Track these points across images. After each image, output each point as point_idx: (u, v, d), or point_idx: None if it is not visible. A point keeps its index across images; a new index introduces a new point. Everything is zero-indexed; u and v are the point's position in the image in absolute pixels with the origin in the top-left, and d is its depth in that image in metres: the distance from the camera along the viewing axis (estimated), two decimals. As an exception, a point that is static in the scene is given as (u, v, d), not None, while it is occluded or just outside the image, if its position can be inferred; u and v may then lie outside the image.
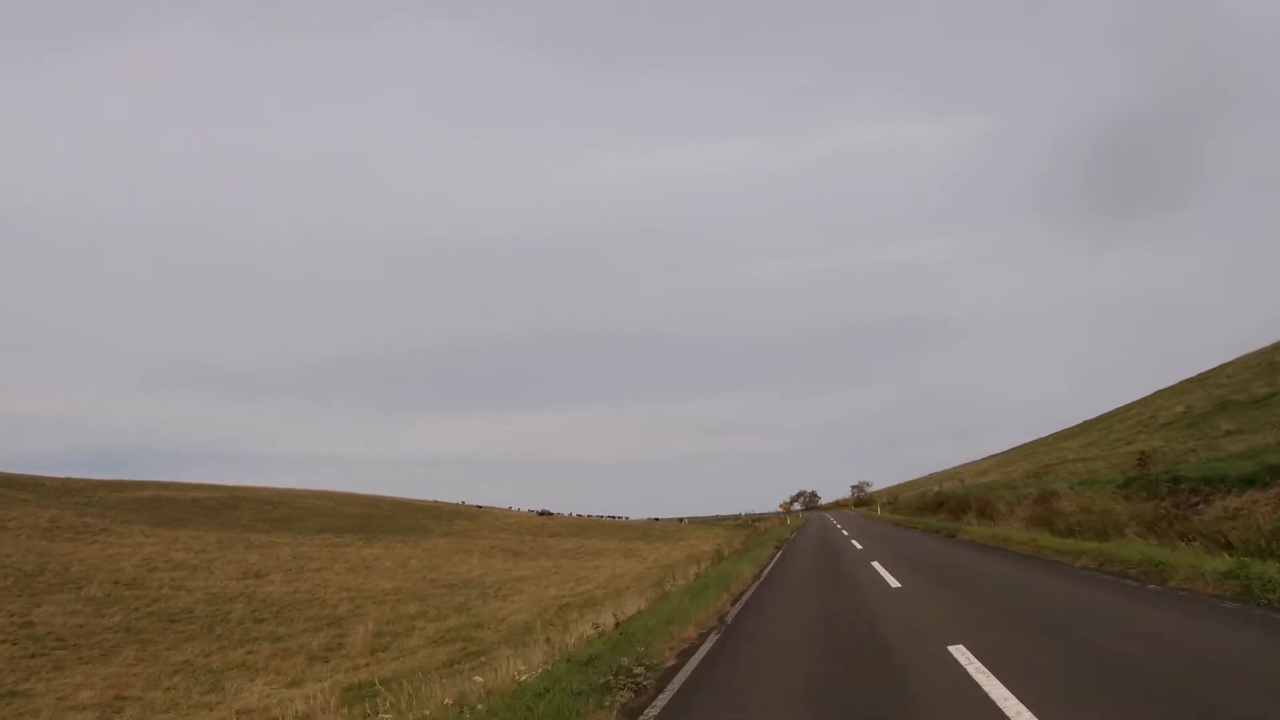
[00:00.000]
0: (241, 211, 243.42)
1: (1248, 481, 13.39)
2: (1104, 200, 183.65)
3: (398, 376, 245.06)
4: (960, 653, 7.73)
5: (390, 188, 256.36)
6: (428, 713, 7.43)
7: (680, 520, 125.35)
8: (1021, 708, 5.61)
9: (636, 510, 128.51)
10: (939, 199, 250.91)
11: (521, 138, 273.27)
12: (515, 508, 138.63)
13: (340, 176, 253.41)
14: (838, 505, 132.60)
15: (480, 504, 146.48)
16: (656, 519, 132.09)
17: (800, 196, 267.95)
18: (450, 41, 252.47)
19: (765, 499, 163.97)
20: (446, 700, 7.71)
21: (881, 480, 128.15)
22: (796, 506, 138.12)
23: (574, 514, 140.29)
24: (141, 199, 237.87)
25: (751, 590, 16.67)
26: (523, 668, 9.07)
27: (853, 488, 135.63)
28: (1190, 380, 51.45)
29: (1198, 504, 14.02)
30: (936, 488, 49.26)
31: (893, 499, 63.93)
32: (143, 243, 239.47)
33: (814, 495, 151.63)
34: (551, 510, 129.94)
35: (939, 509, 39.02)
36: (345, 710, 11.27)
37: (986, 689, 6.19)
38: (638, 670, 7.91)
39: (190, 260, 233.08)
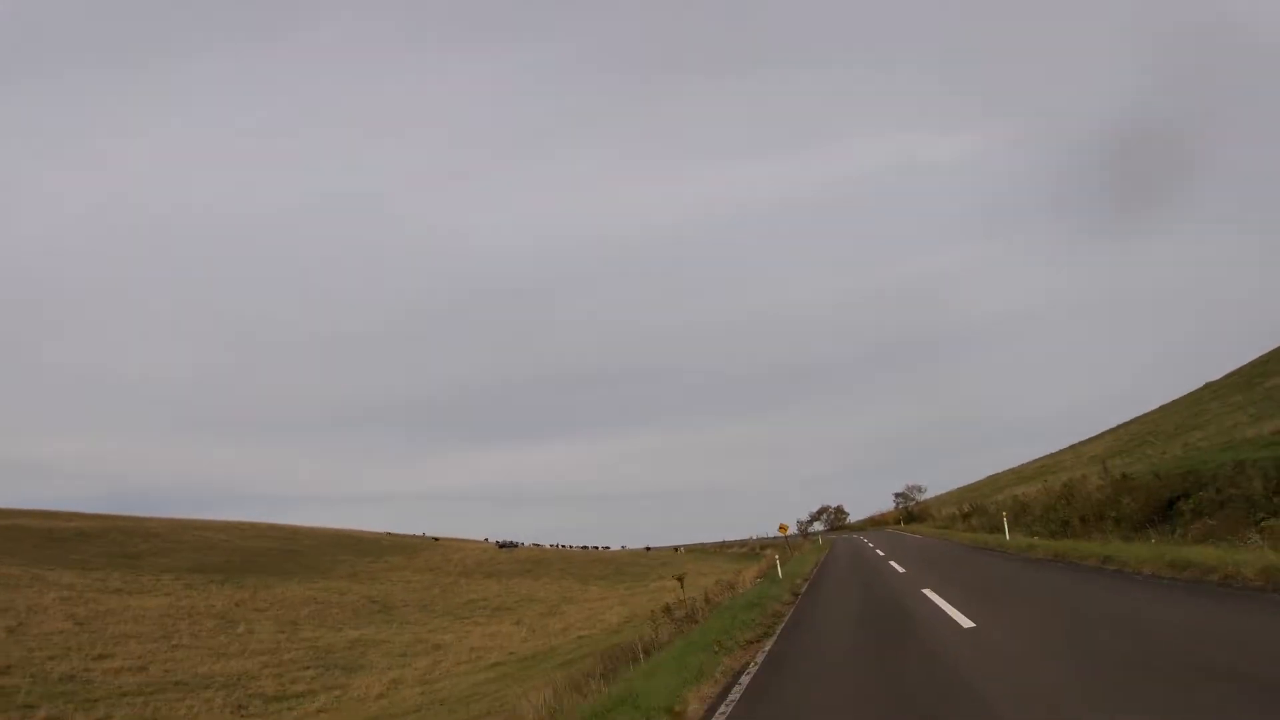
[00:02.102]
0: (252, 252, 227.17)
1: None
2: (1126, 202, 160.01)
3: (425, 413, 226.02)
4: None
5: (404, 226, 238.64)
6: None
7: (676, 549, 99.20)
8: None
9: (657, 538, 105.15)
10: (953, 209, 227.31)
11: (533, 170, 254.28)
12: (489, 539, 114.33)
13: (355, 217, 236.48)
14: (875, 523, 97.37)
15: (440, 536, 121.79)
16: (649, 548, 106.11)
17: (815, 215, 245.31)
18: (456, 83, 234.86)
19: (783, 520, 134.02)
20: None
21: (933, 485, 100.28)
22: (817, 527, 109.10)
23: (554, 545, 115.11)
24: (151, 240, 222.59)
25: None
26: None
27: (897, 496, 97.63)
28: None
29: None
30: (1111, 471, 22.37)
31: (973, 508, 37.50)
32: (154, 285, 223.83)
33: (840, 511, 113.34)
34: (516, 542, 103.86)
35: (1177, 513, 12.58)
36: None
37: None
38: None
39: (206, 306, 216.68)
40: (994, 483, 65.30)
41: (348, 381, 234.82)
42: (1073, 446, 59.56)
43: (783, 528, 36.95)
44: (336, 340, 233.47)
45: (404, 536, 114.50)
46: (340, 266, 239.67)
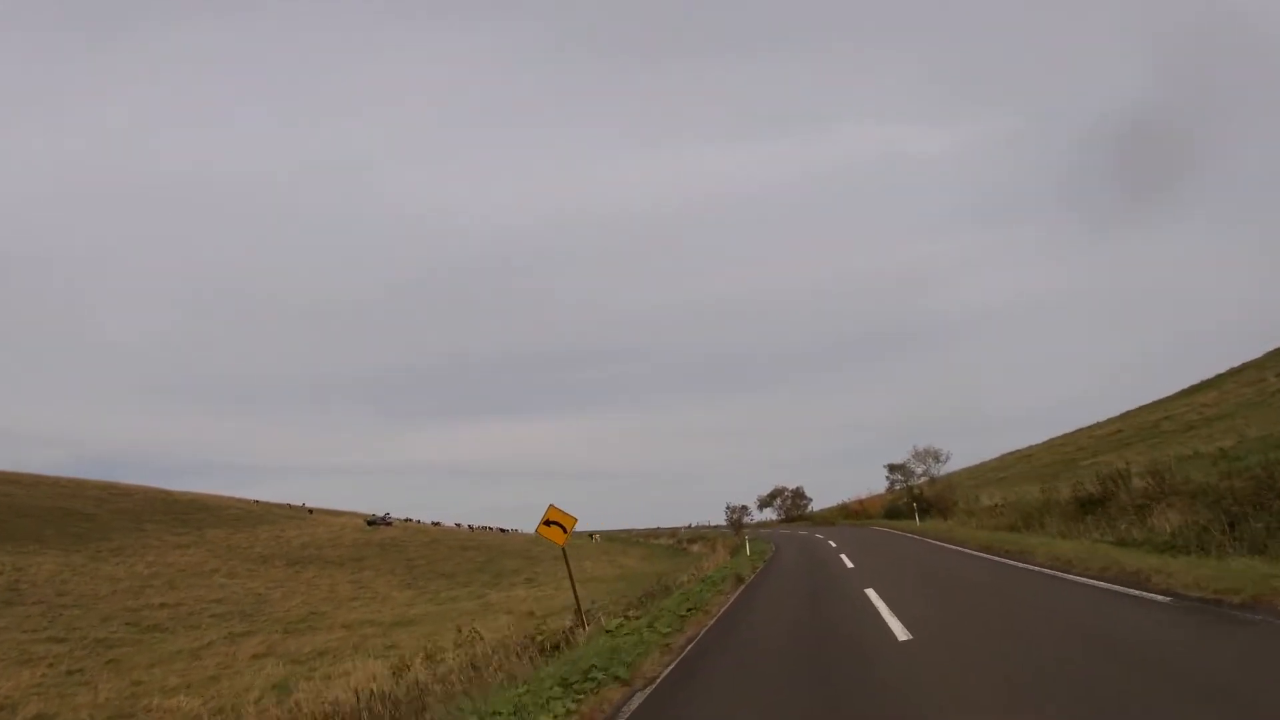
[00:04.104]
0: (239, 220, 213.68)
1: None
2: (1119, 197, 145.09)
3: (398, 387, 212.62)
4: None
5: (388, 198, 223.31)
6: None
7: (592, 536, 76.53)
8: None
9: (611, 521, 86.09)
10: (943, 201, 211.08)
11: (519, 149, 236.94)
12: (387, 513, 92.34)
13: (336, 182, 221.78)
14: (851, 514, 60.99)
15: (320, 509, 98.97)
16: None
17: (799, 203, 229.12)
18: (452, 51, 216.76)
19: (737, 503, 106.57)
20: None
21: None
22: (764, 515, 79.75)
23: (461, 525, 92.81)
24: (135, 209, 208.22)
25: None
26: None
27: (894, 471, 59.81)
28: None
29: None
30: None
31: (1107, 483, 16.24)
32: (138, 254, 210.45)
33: (799, 495, 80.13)
34: (389, 519, 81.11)
35: None
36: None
37: None
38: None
39: (184, 275, 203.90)
40: (1030, 461, 43.33)
41: (322, 353, 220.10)
42: (1160, 402, 38.02)
43: (554, 528, 12.52)
44: (313, 311, 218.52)
45: (274, 506, 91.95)
46: (324, 238, 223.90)
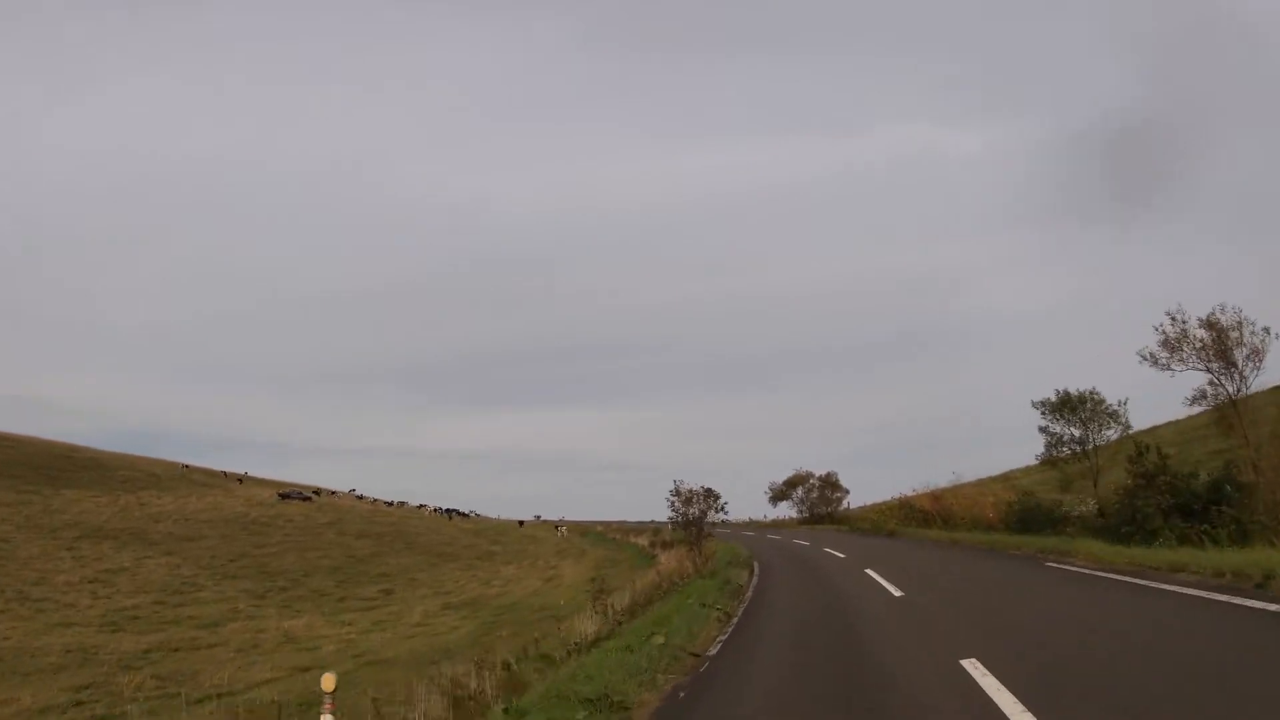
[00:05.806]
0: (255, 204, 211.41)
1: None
2: (1129, 203, 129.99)
3: (421, 377, 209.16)
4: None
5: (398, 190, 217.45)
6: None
7: (557, 528, 61.27)
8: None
9: (621, 513, 73.85)
10: (945, 206, 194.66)
11: (539, 141, 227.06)
12: (305, 491, 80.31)
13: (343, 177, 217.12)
14: (923, 522, 34.83)
15: (252, 477, 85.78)
16: (523, 522, 68.88)
17: (814, 204, 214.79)
18: (468, 46, 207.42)
19: (748, 501, 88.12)
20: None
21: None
22: (785, 510, 58.92)
23: (426, 505, 78.91)
24: (159, 193, 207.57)
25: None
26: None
27: (1059, 410, 24.13)
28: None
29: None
30: None
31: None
32: (162, 238, 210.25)
33: (830, 486, 55.84)
34: (304, 494, 66.39)
35: None
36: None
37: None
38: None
39: (209, 259, 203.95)
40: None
41: (360, 342, 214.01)
42: None
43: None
44: (326, 298, 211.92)
45: (203, 472, 78.37)
46: (327, 227, 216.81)
